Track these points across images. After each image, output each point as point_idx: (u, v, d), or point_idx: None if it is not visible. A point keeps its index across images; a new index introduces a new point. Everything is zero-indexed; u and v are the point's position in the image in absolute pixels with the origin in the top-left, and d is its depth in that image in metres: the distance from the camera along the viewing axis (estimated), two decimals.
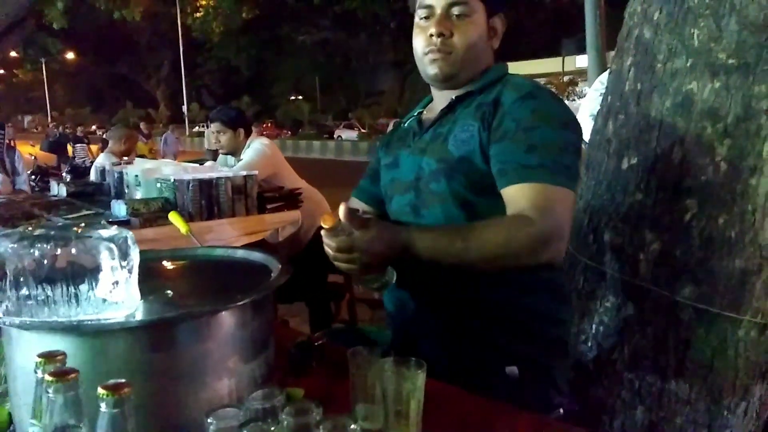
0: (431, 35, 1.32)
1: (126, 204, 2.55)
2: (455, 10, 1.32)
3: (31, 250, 0.86)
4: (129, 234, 0.93)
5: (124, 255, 0.90)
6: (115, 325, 0.87)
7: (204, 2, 28.66)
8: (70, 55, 39.54)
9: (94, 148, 13.69)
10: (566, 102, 1.64)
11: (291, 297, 3.34)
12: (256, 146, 3.38)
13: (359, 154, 23.22)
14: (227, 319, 0.92)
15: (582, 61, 21.71)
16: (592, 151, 1.98)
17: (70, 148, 13.73)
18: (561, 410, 1.33)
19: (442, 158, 1.32)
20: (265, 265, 1.15)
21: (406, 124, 1.53)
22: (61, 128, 20.37)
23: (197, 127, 36.40)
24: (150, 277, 1.05)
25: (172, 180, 2.61)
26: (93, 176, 3.97)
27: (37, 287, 0.87)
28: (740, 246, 1.60)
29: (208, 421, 0.74)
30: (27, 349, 0.84)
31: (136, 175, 2.88)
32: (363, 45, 34.80)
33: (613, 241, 1.79)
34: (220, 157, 3.70)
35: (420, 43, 1.36)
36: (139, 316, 0.91)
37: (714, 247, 1.62)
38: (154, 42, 38.15)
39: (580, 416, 1.41)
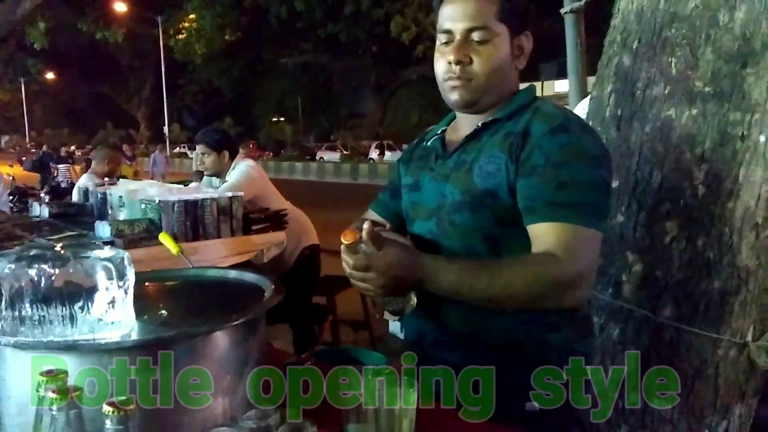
0: (449, 62, 1.26)
1: (110, 225, 2.54)
2: (475, 36, 1.24)
3: (29, 270, 0.87)
4: (126, 254, 0.94)
5: (121, 275, 0.91)
6: (112, 345, 0.87)
7: (187, 24, 28.73)
8: (50, 75, 39.26)
9: (77, 168, 13.56)
10: None
11: (274, 318, 3.32)
12: (241, 168, 3.39)
13: (342, 176, 23.31)
14: (223, 338, 0.93)
15: (561, 86, 22.14)
16: None
17: (53, 168, 13.56)
18: None
19: (467, 189, 1.26)
20: (257, 285, 1.17)
21: (429, 143, 1.42)
22: (45, 147, 20.09)
23: (178, 148, 36.31)
24: (143, 298, 1.06)
25: (157, 201, 2.61)
26: (75, 197, 3.95)
27: (33, 307, 0.87)
28: (719, 267, 1.65)
29: None
30: (22, 370, 0.84)
31: (120, 196, 2.87)
32: (345, 68, 35.04)
33: None
34: (205, 178, 3.71)
35: (440, 68, 1.29)
36: (134, 336, 0.92)
37: (694, 268, 1.67)
38: (135, 63, 38.05)
39: None
